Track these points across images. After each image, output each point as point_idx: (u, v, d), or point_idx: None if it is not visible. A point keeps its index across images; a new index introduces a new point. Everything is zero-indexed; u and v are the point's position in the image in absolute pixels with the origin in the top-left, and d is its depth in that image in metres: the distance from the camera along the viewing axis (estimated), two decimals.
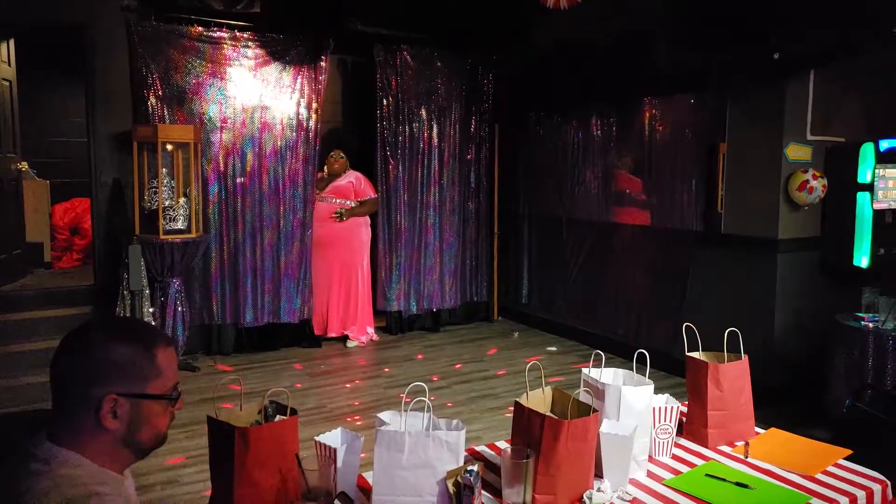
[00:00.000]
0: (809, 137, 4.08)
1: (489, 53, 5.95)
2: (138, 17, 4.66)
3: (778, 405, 3.58)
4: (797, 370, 3.98)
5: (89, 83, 4.72)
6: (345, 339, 5.48)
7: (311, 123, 5.30)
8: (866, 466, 1.70)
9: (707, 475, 1.64)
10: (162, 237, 4.48)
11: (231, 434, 1.37)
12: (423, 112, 5.73)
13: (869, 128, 4.18)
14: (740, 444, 1.82)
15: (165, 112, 4.79)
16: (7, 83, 5.21)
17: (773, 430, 1.95)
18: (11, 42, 5.29)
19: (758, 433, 1.91)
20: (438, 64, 5.75)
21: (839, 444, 1.85)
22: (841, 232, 4.05)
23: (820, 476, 1.65)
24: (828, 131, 4.14)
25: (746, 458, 1.75)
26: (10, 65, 5.28)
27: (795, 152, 4.03)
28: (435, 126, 5.80)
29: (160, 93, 4.77)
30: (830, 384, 3.58)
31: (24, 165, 5.72)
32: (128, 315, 4.35)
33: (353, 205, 5.39)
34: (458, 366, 4.93)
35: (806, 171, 3.95)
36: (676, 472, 1.67)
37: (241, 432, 1.37)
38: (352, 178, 5.41)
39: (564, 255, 5.66)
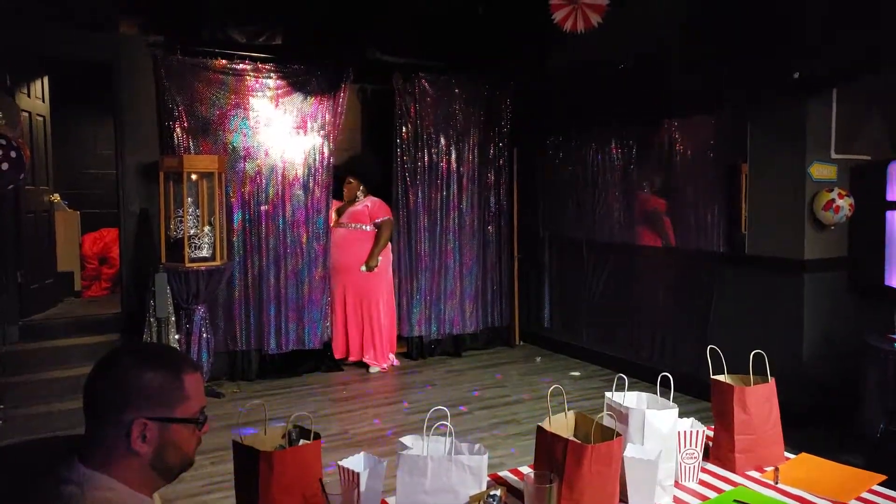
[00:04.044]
0: (834, 156, 4.03)
1: (506, 78, 6.01)
2: (164, 52, 4.82)
3: (808, 429, 3.49)
4: (827, 393, 3.89)
5: (117, 116, 4.87)
6: (367, 364, 5.49)
7: (331, 152, 5.39)
8: None
9: (736, 501, 1.60)
10: (187, 265, 4.56)
11: (256, 458, 1.39)
12: (442, 138, 5.80)
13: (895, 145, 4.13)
14: (770, 469, 1.77)
15: (191, 143, 4.91)
16: (41, 118, 5.39)
17: (803, 454, 1.90)
18: (46, 79, 5.50)
19: (788, 458, 1.86)
20: (456, 90, 5.83)
21: (873, 469, 1.79)
22: (870, 252, 3.97)
23: (853, 503, 1.61)
24: (852, 149, 4.09)
25: (776, 483, 1.71)
26: (43, 101, 5.47)
27: (820, 171, 3.99)
28: (454, 151, 5.86)
29: (185, 124, 4.90)
30: (863, 407, 3.48)
31: (56, 197, 5.88)
32: (155, 342, 4.42)
33: (367, 229, 5.44)
34: (477, 393, 4.91)
35: (831, 191, 3.90)
36: (704, 497, 1.64)
37: (266, 456, 1.39)
38: (367, 202, 5.47)
39: (586, 278, 5.63)
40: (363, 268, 5.39)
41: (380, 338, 5.50)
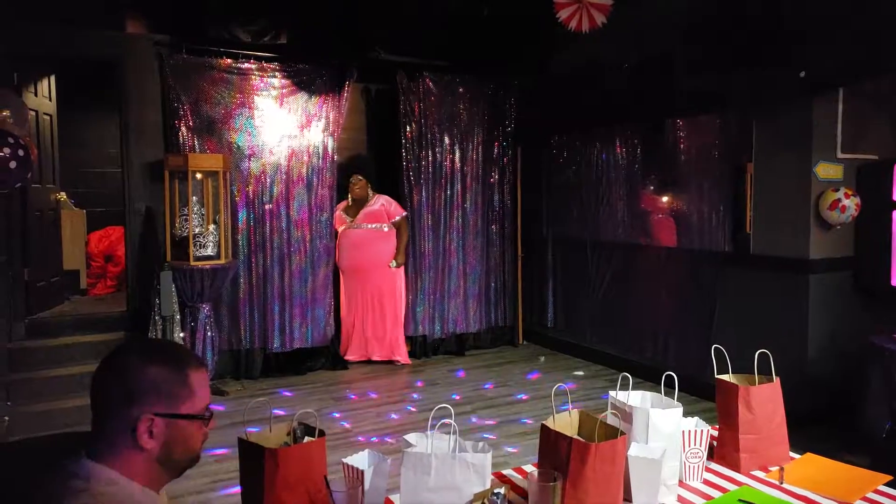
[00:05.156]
0: (840, 155, 4.02)
1: (510, 78, 6.01)
2: (170, 51, 4.84)
3: (813, 429, 3.48)
4: (832, 393, 3.88)
5: (123, 115, 4.89)
6: (372, 362, 5.49)
7: (336, 151, 5.40)
8: None
9: (740, 500, 1.60)
10: (192, 263, 4.57)
11: (261, 455, 1.39)
12: (446, 137, 5.80)
13: None
14: (774, 469, 1.77)
15: (196, 141, 4.92)
16: (48, 117, 5.41)
17: (808, 454, 1.89)
18: (52, 78, 5.52)
19: (792, 458, 1.86)
20: (460, 89, 5.83)
21: (878, 469, 1.79)
22: (876, 251, 3.96)
23: (859, 503, 1.60)
24: (859, 149, 4.08)
25: (781, 483, 1.70)
26: (50, 100, 5.50)
27: (825, 171, 3.98)
28: (458, 150, 5.86)
29: (191, 123, 4.91)
30: (868, 407, 3.47)
31: (63, 196, 5.91)
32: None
33: (385, 228, 5.44)
34: (487, 387, 4.91)
35: (837, 190, 3.88)
36: (708, 496, 1.64)
37: (271, 453, 1.39)
38: (382, 201, 5.49)
39: (590, 277, 5.62)
40: (392, 264, 5.42)
41: (388, 336, 5.52)
